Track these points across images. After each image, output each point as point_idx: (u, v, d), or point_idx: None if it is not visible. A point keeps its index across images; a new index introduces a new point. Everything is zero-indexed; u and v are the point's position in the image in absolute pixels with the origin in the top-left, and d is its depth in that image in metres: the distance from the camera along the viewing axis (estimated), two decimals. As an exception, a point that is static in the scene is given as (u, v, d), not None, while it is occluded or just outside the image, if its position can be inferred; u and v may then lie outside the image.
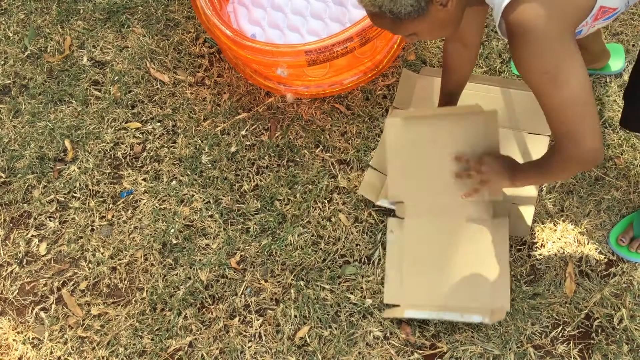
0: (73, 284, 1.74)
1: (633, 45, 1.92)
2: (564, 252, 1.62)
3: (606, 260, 1.61)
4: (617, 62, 1.87)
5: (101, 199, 1.85)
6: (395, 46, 1.93)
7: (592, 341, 1.52)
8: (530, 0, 1.04)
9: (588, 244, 1.63)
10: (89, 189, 1.87)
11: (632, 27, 1.99)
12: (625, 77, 1.85)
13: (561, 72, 1.08)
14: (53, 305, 1.71)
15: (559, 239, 1.64)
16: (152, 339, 1.63)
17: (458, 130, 1.56)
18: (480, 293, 1.53)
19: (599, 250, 1.62)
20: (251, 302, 1.65)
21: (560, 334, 1.53)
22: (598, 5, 1.10)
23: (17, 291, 1.75)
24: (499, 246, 1.56)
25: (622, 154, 1.73)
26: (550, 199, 1.68)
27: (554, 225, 1.66)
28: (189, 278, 1.70)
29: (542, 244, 1.64)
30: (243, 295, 1.66)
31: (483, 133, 1.54)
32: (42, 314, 1.70)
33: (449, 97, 1.60)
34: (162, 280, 1.70)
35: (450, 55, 1.49)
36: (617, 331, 1.52)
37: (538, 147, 1.72)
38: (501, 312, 1.50)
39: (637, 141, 1.74)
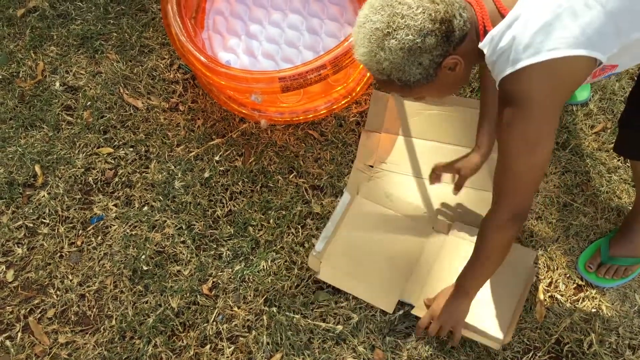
0: (40, 312, 1.70)
1: (598, 76, 1.98)
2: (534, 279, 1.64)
3: (575, 285, 1.63)
4: (583, 92, 1.93)
5: (71, 225, 1.82)
6: (368, 74, 1.96)
7: (562, 366, 1.53)
8: (534, 69, 1.06)
9: (557, 269, 1.65)
10: (59, 215, 1.84)
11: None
12: (592, 105, 1.90)
13: (540, 141, 1.13)
14: (19, 334, 1.67)
15: (529, 265, 1.66)
16: (120, 368, 1.60)
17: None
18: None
19: (568, 276, 1.64)
20: (223, 329, 1.63)
21: (532, 359, 1.54)
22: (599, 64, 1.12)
23: (-19, 319, 1.70)
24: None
25: (589, 181, 1.77)
26: (520, 224, 1.71)
27: (524, 250, 1.68)
28: (160, 305, 1.67)
29: (512, 270, 1.65)
30: (215, 323, 1.64)
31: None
32: (8, 343, 1.66)
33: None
34: (132, 308, 1.68)
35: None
36: (587, 356, 1.54)
37: None
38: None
39: (604, 168, 1.78)
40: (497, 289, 1.56)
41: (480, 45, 1.12)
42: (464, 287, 1.42)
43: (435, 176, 1.69)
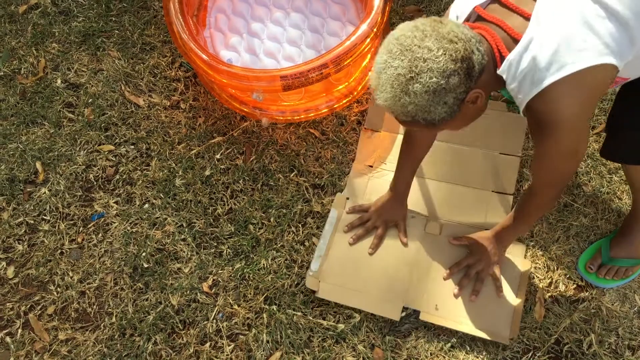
0: (40, 308, 1.70)
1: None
2: (533, 278, 1.64)
3: (575, 285, 1.63)
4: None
5: (71, 222, 1.83)
6: (370, 73, 1.96)
7: (562, 366, 1.53)
8: (561, 85, 1.07)
9: (557, 269, 1.65)
10: (60, 212, 1.84)
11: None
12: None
13: (578, 149, 1.20)
14: (19, 330, 1.67)
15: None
16: (120, 365, 1.60)
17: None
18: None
19: (568, 276, 1.64)
20: (223, 327, 1.63)
21: (531, 359, 1.54)
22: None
23: (-19, 316, 1.71)
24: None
25: (589, 181, 1.77)
26: (520, 224, 1.71)
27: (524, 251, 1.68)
28: (160, 303, 1.68)
29: (512, 269, 1.65)
30: (215, 320, 1.64)
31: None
32: (8, 339, 1.66)
33: (407, 182, 1.67)
34: (132, 305, 1.68)
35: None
36: (587, 356, 1.54)
37: (508, 168, 1.76)
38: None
39: (604, 169, 1.78)
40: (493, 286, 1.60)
41: (499, 71, 1.13)
42: (503, 241, 1.56)
43: (355, 236, 1.74)
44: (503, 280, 1.60)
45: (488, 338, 1.54)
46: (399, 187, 1.67)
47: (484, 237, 1.60)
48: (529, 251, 1.67)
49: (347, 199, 1.78)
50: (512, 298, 1.58)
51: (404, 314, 1.60)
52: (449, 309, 1.58)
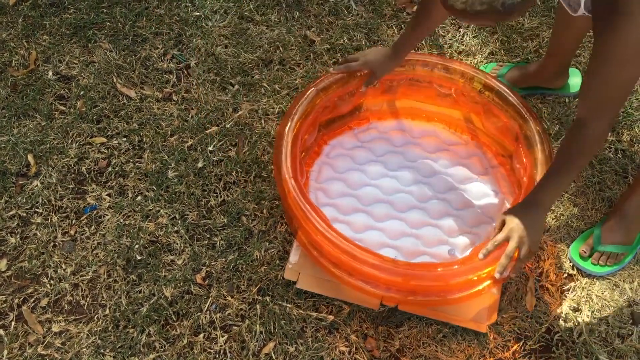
0: (34, 301, 1.70)
1: (590, 67, 1.99)
2: (523, 267, 1.65)
3: (566, 275, 1.65)
4: (576, 83, 1.94)
5: (64, 215, 1.82)
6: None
7: (552, 355, 1.55)
8: None
9: (548, 259, 1.67)
10: (52, 204, 1.84)
11: (590, 49, 2.06)
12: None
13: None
14: (13, 323, 1.67)
15: (521, 254, 1.67)
16: (114, 357, 1.60)
17: None
18: None
19: (558, 265, 1.66)
20: (216, 318, 1.64)
21: (522, 347, 1.56)
22: None
23: (-25, 308, 1.71)
24: None
25: (580, 171, 1.78)
26: (512, 215, 1.72)
27: (516, 240, 1.69)
28: (153, 294, 1.68)
29: (504, 259, 1.67)
30: (208, 312, 1.65)
31: None
32: (1, 332, 1.66)
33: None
34: (126, 297, 1.68)
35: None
36: (577, 345, 1.55)
37: None
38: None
39: (595, 159, 1.80)
40: None
41: None
42: (544, 202, 1.34)
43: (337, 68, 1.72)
44: None
45: (465, 326, 1.54)
46: (399, 46, 1.68)
47: (519, 208, 1.38)
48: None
49: None
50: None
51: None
52: None
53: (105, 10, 2.21)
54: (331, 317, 1.60)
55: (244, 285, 1.68)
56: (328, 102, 1.76)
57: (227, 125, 1.94)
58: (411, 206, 1.73)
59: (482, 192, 1.74)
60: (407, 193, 1.75)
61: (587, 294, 1.62)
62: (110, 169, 1.89)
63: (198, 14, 2.24)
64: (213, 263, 1.72)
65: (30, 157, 1.92)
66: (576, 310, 1.60)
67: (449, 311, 1.56)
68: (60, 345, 1.63)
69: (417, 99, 1.88)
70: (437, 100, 1.85)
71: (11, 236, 1.80)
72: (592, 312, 1.59)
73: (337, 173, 1.81)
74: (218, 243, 1.74)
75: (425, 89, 1.83)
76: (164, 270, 1.71)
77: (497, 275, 1.34)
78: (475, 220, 1.68)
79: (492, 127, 1.76)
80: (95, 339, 1.63)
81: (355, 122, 1.90)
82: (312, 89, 1.72)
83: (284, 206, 1.62)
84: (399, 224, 1.70)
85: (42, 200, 1.85)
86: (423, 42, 2.13)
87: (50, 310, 1.69)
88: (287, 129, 1.64)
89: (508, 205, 1.67)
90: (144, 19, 2.18)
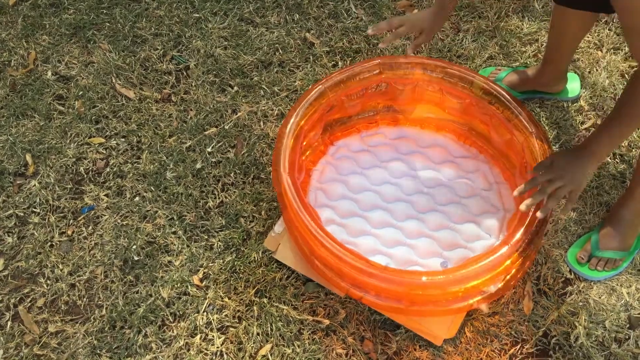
0: (30, 301, 1.70)
1: (589, 72, 1.99)
2: (522, 271, 1.65)
3: (563, 279, 1.65)
4: (574, 88, 1.94)
5: (61, 215, 1.82)
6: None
7: (549, 359, 1.55)
8: None
9: (545, 263, 1.67)
10: (50, 204, 1.84)
11: (588, 54, 2.07)
12: (582, 102, 1.92)
13: None
14: (9, 323, 1.67)
15: (518, 258, 1.67)
16: (110, 357, 1.60)
17: None
18: None
19: (556, 269, 1.66)
20: (213, 319, 1.64)
21: (519, 351, 1.55)
22: None
23: (-29, 308, 1.70)
24: None
25: (578, 176, 1.78)
26: (509, 218, 1.72)
27: (514, 244, 1.69)
28: (150, 295, 1.68)
29: (501, 263, 1.67)
30: (205, 313, 1.65)
31: None
32: (-3, 332, 1.66)
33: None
34: (123, 298, 1.68)
35: None
36: (574, 349, 1.55)
37: None
38: None
39: (593, 164, 1.80)
40: None
41: None
42: (598, 151, 1.32)
43: (377, 28, 1.55)
44: None
45: (420, 334, 1.53)
46: None
47: (569, 150, 1.36)
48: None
49: None
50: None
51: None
52: None
53: (105, 11, 2.21)
54: (327, 322, 1.60)
55: (241, 286, 1.68)
56: (335, 101, 1.74)
57: (226, 127, 1.94)
58: (409, 216, 1.72)
59: (483, 207, 1.73)
60: (406, 202, 1.74)
61: (585, 298, 1.62)
62: (108, 169, 1.89)
63: (198, 15, 2.24)
64: (210, 264, 1.71)
65: (28, 157, 1.92)
66: (573, 314, 1.60)
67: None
68: (56, 346, 1.62)
69: (427, 105, 1.84)
70: (447, 109, 1.83)
71: (8, 236, 1.80)
72: (589, 316, 1.59)
73: (340, 175, 1.80)
74: (216, 244, 1.74)
75: (435, 95, 1.80)
76: (161, 271, 1.71)
77: (539, 215, 1.34)
78: (472, 235, 1.68)
79: (500, 140, 1.74)
80: (92, 339, 1.63)
81: (364, 125, 1.89)
82: (320, 86, 1.68)
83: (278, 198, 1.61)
84: (395, 232, 1.69)
85: (40, 200, 1.84)
86: (423, 45, 2.13)
87: (46, 310, 1.68)
88: (289, 124, 1.62)
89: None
90: (144, 20, 2.18)
